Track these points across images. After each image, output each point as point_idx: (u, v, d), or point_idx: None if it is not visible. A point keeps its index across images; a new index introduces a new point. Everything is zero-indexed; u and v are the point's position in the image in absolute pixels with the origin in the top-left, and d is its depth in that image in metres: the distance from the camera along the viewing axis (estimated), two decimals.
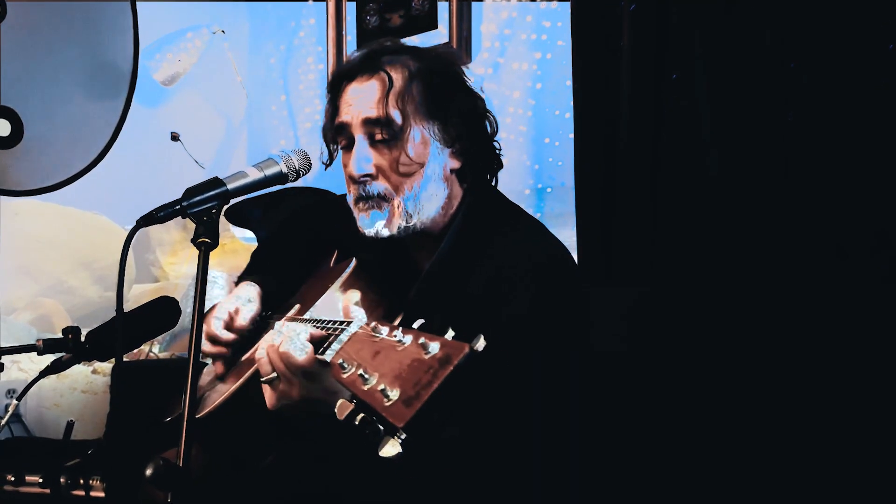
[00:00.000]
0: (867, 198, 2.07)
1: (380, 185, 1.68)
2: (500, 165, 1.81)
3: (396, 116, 1.66)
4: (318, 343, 1.40)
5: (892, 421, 1.83)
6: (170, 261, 4.08)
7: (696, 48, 2.43)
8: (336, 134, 1.75)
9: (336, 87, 1.76)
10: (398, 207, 1.68)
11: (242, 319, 1.84)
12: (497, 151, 1.79)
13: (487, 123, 1.77)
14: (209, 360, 1.95)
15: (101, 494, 2.07)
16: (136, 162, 3.98)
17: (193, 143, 4.04)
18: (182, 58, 4.15)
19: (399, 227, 1.68)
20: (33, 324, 3.89)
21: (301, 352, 1.40)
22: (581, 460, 1.65)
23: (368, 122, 1.67)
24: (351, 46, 3.80)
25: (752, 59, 2.30)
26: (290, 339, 1.42)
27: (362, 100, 1.68)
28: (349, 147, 1.71)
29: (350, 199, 1.75)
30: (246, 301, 1.86)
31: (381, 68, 1.68)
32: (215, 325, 1.81)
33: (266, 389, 1.49)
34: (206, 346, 1.81)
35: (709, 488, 1.99)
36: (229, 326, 1.83)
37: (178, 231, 4.08)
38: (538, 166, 3.43)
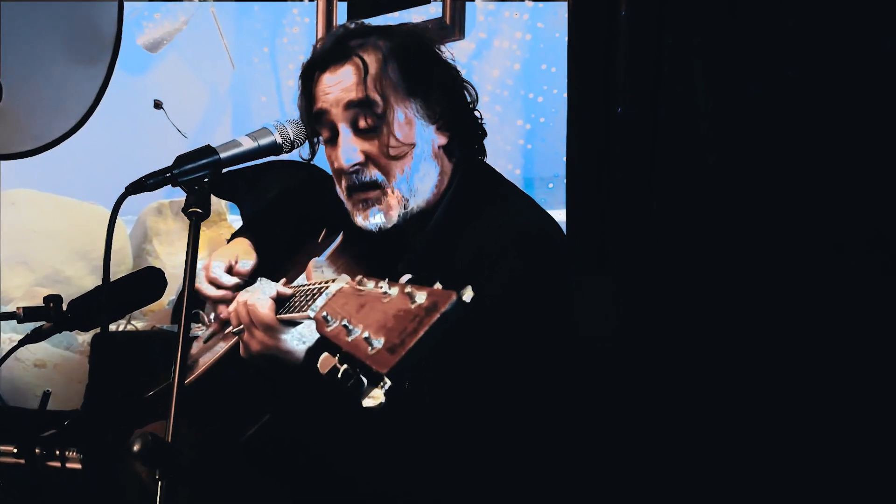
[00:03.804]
0: (864, 192, 2.07)
1: (372, 172, 1.65)
2: (485, 134, 1.80)
3: (377, 99, 1.63)
4: (282, 302, 1.49)
5: (885, 410, 1.85)
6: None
7: (694, 40, 2.41)
8: (315, 124, 1.71)
9: (308, 77, 1.72)
10: (393, 194, 1.65)
11: (242, 266, 1.86)
12: (479, 120, 1.78)
13: (467, 93, 1.76)
14: (199, 332, 1.92)
15: (78, 466, 2.03)
16: (123, 135, 3.95)
17: (177, 111, 3.97)
18: (166, 23, 4.07)
19: (399, 216, 1.67)
20: None
21: (263, 306, 1.49)
22: (562, 449, 1.65)
23: (351, 106, 1.64)
24: (341, 7, 3.70)
25: (750, 54, 2.29)
26: (256, 295, 1.52)
27: (340, 86, 1.65)
28: (333, 140, 1.68)
29: (342, 193, 1.72)
30: (243, 252, 1.88)
31: (354, 53, 1.65)
32: (216, 270, 1.82)
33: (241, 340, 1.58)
34: (210, 290, 1.83)
35: (701, 482, 1.99)
36: (230, 272, 1.85)
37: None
38: (510, 148, 3.42)
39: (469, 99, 1.75)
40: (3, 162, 3.61)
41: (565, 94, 2.60)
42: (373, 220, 1.67)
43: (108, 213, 1.50)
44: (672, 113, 2.36)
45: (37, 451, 2.01)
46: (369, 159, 1.65)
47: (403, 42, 1.69)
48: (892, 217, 2.01)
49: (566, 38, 2.61)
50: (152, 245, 4.04)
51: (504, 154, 3.40)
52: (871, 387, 1.87)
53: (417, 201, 1.68)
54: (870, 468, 1.84)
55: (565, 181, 2.62)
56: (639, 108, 2.42)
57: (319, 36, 3.52)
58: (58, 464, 2.02)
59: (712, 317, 2.08)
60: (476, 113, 1.77)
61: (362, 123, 1.64)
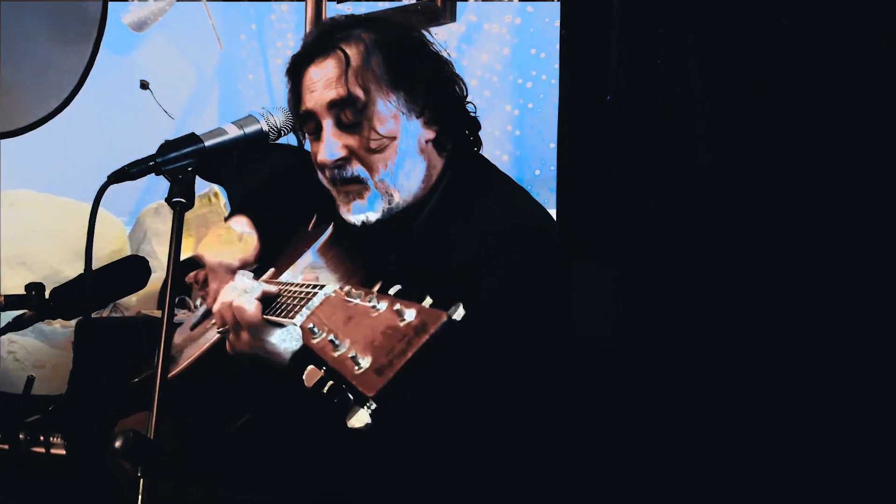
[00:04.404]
0: (860, 190, 2.07)
1: (354, 168, 1.63)
2: (478, 127, 1.77)
3: (359, 93, 1.61)
4: (268, 301, 1.47)
5: (883, 402, 1.86)
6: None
7: (688, 37, 2.39)
8: (302, 123, 1.69)
9: (295, 72, 1.70)
10: (377, 188, 1.63)
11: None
12: (472, 114, 1.75)
13: (457, 87, 1.73)
14: (183, 319, 1.91)
15: (62, 452, 2.02)
16: (110, 117, 3.91)
17: (164, 91, 3.93)
18: (152, 2, 4.02)
19: (383, 211, 1.64)
20: None
21: (250, 307, 1.46)
22: (561, 448, 1.65)
23: (333, 105, 1.62)
24: None
25: (745, 52, 2.27)
26: (241, 295, 1.49)
27: (322, 82, 1.63)
28: (317, 134, 1.66)
29: (326, 184, 1.70)
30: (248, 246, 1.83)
31: (336, 47, 1.63)
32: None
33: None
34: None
35: (703, 483, 2.00)
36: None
37: None
38: (498, 133, 3.40)
39: (459, 93, 1.72)
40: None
41: (553, 81, 2.58)
42: (356, 214, 1.65)
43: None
44: (668, 112, 2.35)
45: (21, 436, 2.00)
46: (352, 154, 1.63)
47: (388, 35, 1.66)
48: (889, 214, 2.01)
49: (556, 23, 2.59)
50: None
51: (492, 139, 3.38)
52: (870, 380, 1.88)
53: (403, 196, 1.65)
54: (869, 466, 1.85)
55: (556, 179, 2.60)
56: (634, 106, 2.40)
57: (308, 14, 3.50)
58: (42, 449, 2.01)
59: (714, 316, 2.08)
60: (470, 105, 1.74)
61: (345, 118, 1.62)
